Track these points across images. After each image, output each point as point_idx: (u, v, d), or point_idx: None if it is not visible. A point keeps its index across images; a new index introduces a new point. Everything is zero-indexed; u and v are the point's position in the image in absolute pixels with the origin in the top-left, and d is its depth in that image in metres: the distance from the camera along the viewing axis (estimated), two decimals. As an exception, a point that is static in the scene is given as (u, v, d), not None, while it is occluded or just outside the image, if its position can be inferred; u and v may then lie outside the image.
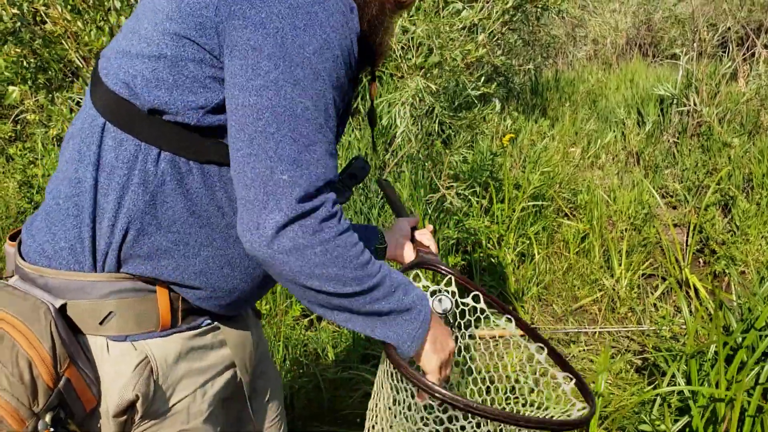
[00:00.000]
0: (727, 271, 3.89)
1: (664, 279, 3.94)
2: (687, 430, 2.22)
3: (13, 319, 1.05)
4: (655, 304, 3.74)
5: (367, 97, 1.36)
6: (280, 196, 1.01)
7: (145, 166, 1.09)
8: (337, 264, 1.06)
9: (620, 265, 3.89)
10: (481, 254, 3.85)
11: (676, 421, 2.29)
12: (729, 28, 6.29)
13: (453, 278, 1.46)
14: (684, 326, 3.20)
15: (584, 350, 3.37)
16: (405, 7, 1.24)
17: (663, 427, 2.23)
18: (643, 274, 3.97)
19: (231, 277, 1.21)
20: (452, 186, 3.78)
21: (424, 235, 1.65)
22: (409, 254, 1.61)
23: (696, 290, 3.57)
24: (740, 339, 2.23)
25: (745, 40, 6.68)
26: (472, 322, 1.50)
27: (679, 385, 2.28)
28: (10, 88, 2.65)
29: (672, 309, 3.67)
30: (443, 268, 1.50)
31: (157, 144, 1.09)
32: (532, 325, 3.54)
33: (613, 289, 3.79)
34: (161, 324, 1.17)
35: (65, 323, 1.10)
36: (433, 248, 1.61)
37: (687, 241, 4.18)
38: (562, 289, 3.83)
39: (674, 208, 4.67)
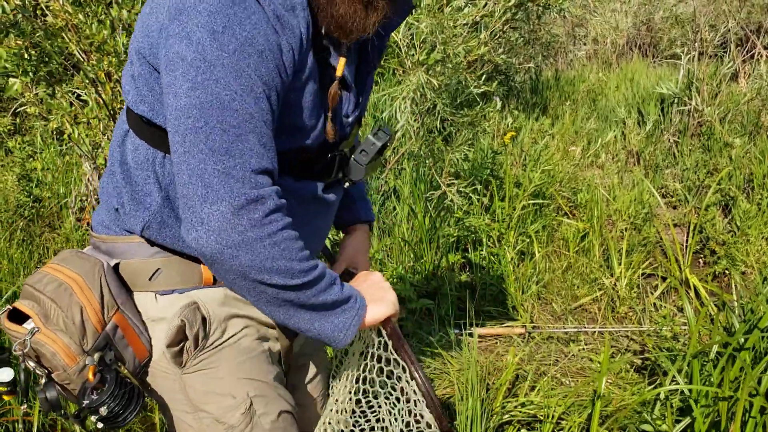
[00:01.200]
0: (727, 271, 3.89)
1: (664, 279, 3.94)
2: (689, 431, 2.22)
3: (74, 273, 1.23)
4: (655, 304, 3.73)
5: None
6: (218, 186, 1.05)
7: (155, 168, 1.22)
8: (285, 256, 1.10)
9: (620, 264, 3.88)
10: (481, 252, 3.84)
11: (677, 421, 2.28)
12: (729, 30, 6.29)
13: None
14: (685, 326, 3.20)
15: (584, 349, 3.36)
16: None
17: (665, 427, 2.23)
18: (642, 274, 3.96)
19: None
20: (453, 183, 3.77)
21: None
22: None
23: (696, 291, 3.57)
24: (742, 340, 2.23)
25: (744, 42, 6.68)
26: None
27: (681, 385, 2.28)
28: (11, 80, 2.64)
29: (673, 309, 3.67)
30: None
31: (161, 148, 1.21)
32: (532, 325, 3.53)
33: (613, 289, 3.78)
34: (204, 281, 1.29)
35: (117, 278, 1.27)
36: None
37: (687, 241, 4.18)
38: (561, 288, 3.82)
39: (674, 207, 4.67)
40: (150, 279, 1.27)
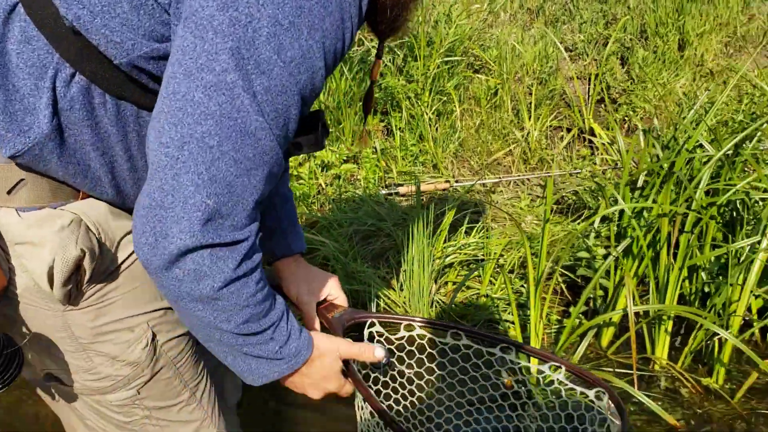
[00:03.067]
0: (627, 118, 4.10)
1: (569, 130, 4.11)
2: (629, 257, 2.37)
3: None
4: (562, 154, 3.91)
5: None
6: (198, 220, 0.85)
7: (54, 84, 0.90)
8: (240, 304, 0.94)
9: (530, 118, 4.01)
10: (400, 114, 3.84)
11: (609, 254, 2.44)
12: None
13: (375, 321, 1.35)
14: (591, 169, 3.38)
15: (505, 198, 3.50)
16: None
17: (602, 251, 2.38)
18: (550, 126, 4.11)
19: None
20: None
21: (331, 287, 1.38)
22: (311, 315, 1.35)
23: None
24: (668, 165, 2.37)
25: None
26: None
27: (625, 204, 2.41)
28: None
29: (586, 152, 3.87)
30: (362, 315, 1.36)
31: (74, 65, 0.90)
32: (455, 180, 3.62)
33: (525, 141, 3.91)
34: (82, 193, 1.02)
35: None
36: (342, 299, 1.38)
37: (589, 92, 4.35)
38: (476, 145, 3.91)
39: (574, 62, 4.81)
40: (9, 193, 0.95)
